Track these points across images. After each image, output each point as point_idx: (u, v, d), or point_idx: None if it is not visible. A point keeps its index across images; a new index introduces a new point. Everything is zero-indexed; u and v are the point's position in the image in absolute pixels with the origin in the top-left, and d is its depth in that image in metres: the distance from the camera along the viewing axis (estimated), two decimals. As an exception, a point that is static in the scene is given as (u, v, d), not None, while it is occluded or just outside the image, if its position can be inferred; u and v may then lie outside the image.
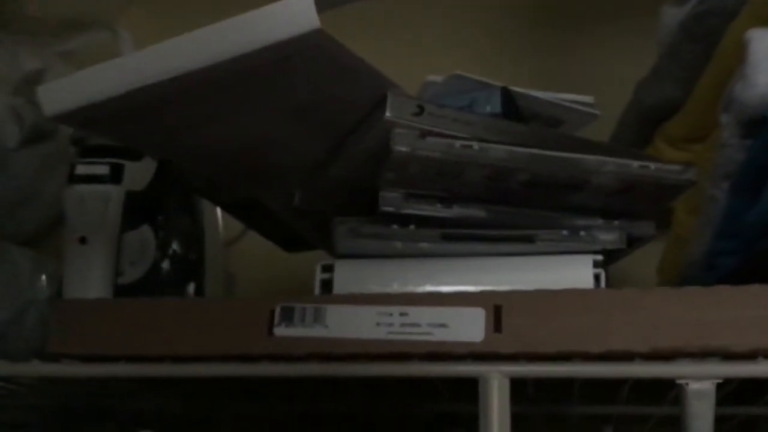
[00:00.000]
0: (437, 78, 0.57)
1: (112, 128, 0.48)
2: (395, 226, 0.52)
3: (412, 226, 0.52)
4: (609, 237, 0.51)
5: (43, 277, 0.88)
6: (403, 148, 0.46)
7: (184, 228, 0.82)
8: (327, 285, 0.54)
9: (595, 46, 0.86)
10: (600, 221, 0.52)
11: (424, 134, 0.46)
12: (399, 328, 0.48)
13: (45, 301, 0.84)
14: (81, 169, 0.72)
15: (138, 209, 0.75)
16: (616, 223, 0.52)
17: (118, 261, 0.72)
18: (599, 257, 0.51)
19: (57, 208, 0.74)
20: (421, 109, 0.46)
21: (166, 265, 0.79)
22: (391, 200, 0.50)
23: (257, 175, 0.58)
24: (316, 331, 0.49)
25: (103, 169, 0.72)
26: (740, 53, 0.54)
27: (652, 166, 0.48)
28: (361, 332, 0.49)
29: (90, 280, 0.69)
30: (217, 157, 0.54)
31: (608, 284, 0.51)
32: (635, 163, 0.48)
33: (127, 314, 0.54)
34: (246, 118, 0.48)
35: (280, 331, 0.50)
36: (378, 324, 0.49)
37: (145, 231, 0.79)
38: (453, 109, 0.47)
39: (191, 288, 0.81)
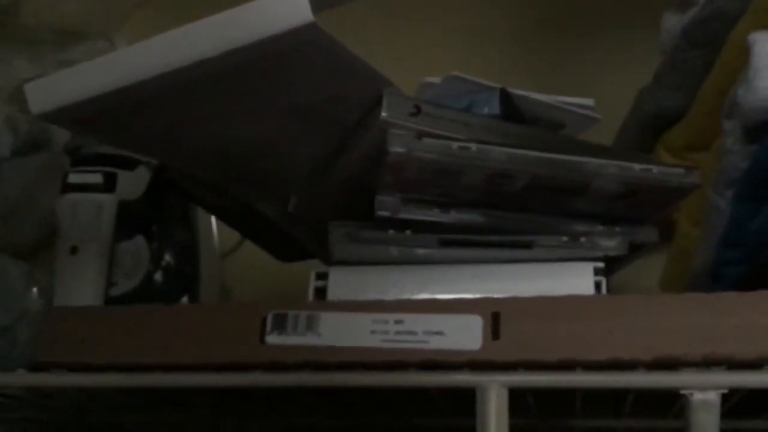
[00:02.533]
0: (434, 79, 0.56)
1: (102, 128, 0.47)
2: (391, 232, 0.51)
3: (408, 232, 0.51)
4: (610, 243, 0.50)
5: (35, 289, 0.87)
6: (399, 149, 0.45)
7: (179, 239, 0.81)
8: (321, 292, 0.53)
9: (597, 51, 0.85)
10: (601, 227, 0.50)
11: (421, 135, 0.45)
12: (394, 336, 0.47)
13: (37, 314, 0.83)
14: (74, 178, 0.72)
15: (132, 219, 0.74)
16: (617, 229, 0.50)
17: (111, 272, 0.72)
18: (600, 264, 0.50)
19: (52, 220, 0.73)
20: (418, 110, 0.45)
21: (159, 276, 0.78)
22: (387, 205, 0.49)
23: (253, 178, 0.57)
24: (309, 339, 0.48)
25: (96, 178, 0.71)
26: (743, 58, 0.53)
27: (655, 168, 0.47)
28: (355, 340, 0.47)
29: (81, 290, 0.68)
30: (212, 158, 0.53)
31: (610, 293, 0.50)
32: (637, 166, 0.47)
33: (117, 322, 0.52)
34: (240, 117, 0.47)
35: (272, 339, 0.48)
36: (372, 332, 0.47)
37: (139, 241, 0.78)
38: (451, 110, 0.46)
39: (184, 301, 0.80)
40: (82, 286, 0.68)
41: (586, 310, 0.45)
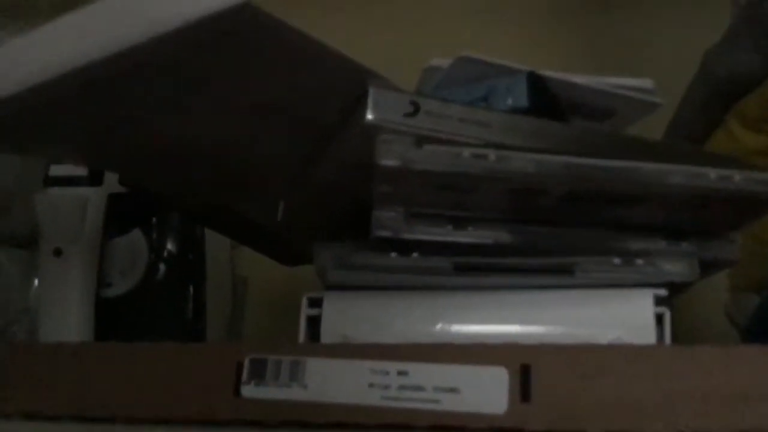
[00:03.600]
0: (442, 62, 0.44)
1: (21, 138, 0.38)
2: (394, 254, 0.40)
3: (415, 254, 0.40)
4: (676, 267, 0.39)
5: (36, 281, 0.82)
6: (392, 162, 0.34)
7: (182, 227, 0.75)
8: (314, 322, 0.44)
9: (652, 10, 0.71)
10: (663, 243, 0.39)
11: (421, 141, 0.34)
12: (397, 392, 0.37)
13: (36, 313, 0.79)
14: (55, 170, 0.66)
15: (125, 213, 0.67)
16: (685, 245, 0.39)
17: (106, 271, 0.66)
18: (663, 292, 0.39)
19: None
20: (416, 108, 0.34)
21: (162, 268, 0.73)
22: (387, 222, 0.39)
23: (234, 184, 0.48)
24: (293, 393, 0.39)
25: (80, 170, 0.65)
26: None
27: (737, 176, 0.35)
28: (348, 396, 0.38)
29: (67, 296, 0.63)
30: (178, 163, 0.45)
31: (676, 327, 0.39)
32: (713, 173, 0.35)
33: (75, 363, 0.45)
34: (193, 116, 0.38)
35: (249, 391, 0.40)
36: (371, 385, 0.38)
37: (136, 236, 0.73)
38: (461, 105, 0.35)
39: (191, 290, 0.75)
40: (68, 293, 0.63)
41: (646, 363, 0.35)
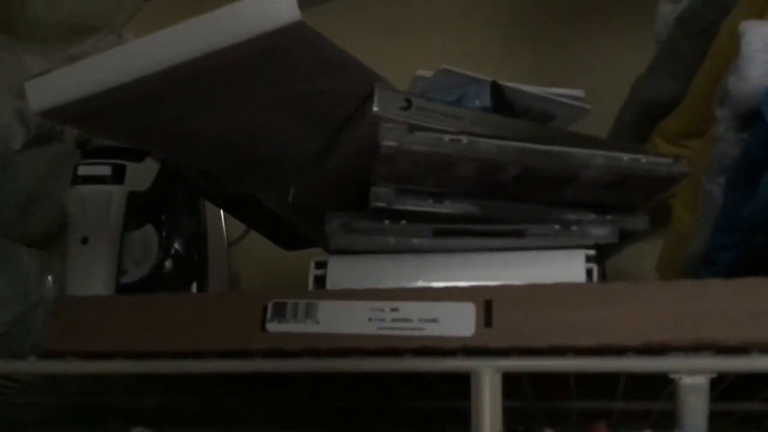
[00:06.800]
0: (427, 73, 0.57)
1: (102, 124, 0.49)
2: (387, 222, 0.52)
3: (403, 222, 0.52)
4: (601, 231, 0.51)
5: (50, 277, 0.89)
6: (391, 143, 0.46)
7: (188, 228, 0.83)
8: (320, 281, 0.55)
9: (593, 41, 0.85)
10: (592, 215, 0.51)
11: (413, 129, 0.46)
12: (390, 323, 0.48)
13: (51, 302, 0.85)
14: (83, 170, 0.73)
15: (141, 209, 0.76)
16: (609, 217, 0.51)
17: (122, 260, 0.73)
18: (591, 252, 0.51)
19: (64, 210, 0.74)
20: (409, 104, 0.46)
21: (169, 264, 0.80)
22: (382, 196, 0.51)
23: (254, 171, 0.58)
24: (308, 327, 0.49)
25: (104, 170, 0.73)
26: (735, 46, 0.54)
27: (643, 158, 0.48)
28: (352, 327, 0.49)
29: (92, 279, 0.70)
30: (212, 151, 0.55)
31: (603, 279, 0.51)
32: (625, 156, 0.48)
33: (123, 311, 0.54)
34: (236, 111, 0.48)
35: (273, 326, 0.50)
36: (369, 319, 0.49)
37: (149, 231, 0.80)
38: (442, 103, 0.47)
39: (194, 288, 0.82)
40: (92, 276, 0.70)
41: (576, 298, 0.47)
